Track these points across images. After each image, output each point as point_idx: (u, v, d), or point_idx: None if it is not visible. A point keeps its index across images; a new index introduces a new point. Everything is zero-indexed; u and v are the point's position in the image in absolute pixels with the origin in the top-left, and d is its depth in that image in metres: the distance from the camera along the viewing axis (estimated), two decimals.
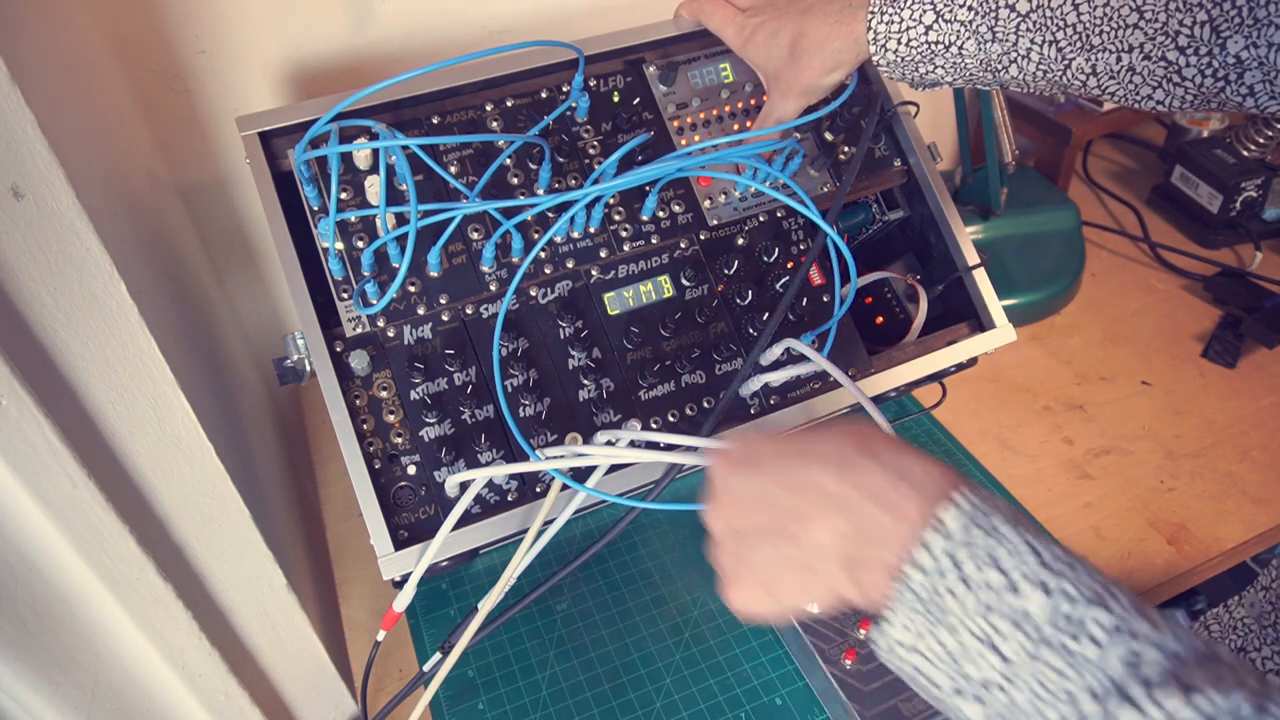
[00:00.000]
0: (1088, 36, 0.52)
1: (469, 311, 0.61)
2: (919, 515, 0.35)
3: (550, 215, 0.62)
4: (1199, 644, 0.31)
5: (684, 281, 0.64)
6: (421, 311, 0.60)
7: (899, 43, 0.57)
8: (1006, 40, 0.55)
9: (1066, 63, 0.54)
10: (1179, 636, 0.31)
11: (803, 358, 0.62)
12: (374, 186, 0.59)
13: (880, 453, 0.38)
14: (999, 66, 0.56)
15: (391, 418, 0.58)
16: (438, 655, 0.59)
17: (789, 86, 0.63)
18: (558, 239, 0.63)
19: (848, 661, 0.62)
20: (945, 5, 0.55)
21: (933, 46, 0.57)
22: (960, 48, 0.56)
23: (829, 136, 0.70)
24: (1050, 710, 0.31)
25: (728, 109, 0.69)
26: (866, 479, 0.37)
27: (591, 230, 0.64)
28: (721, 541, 0.43)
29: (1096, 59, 0.53)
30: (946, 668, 0.34)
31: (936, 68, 0.58)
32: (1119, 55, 0.52)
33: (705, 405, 0.63)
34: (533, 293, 0.62)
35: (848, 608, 0.39)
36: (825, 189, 0.69)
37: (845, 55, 0.60)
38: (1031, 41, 0.54)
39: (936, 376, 0.71)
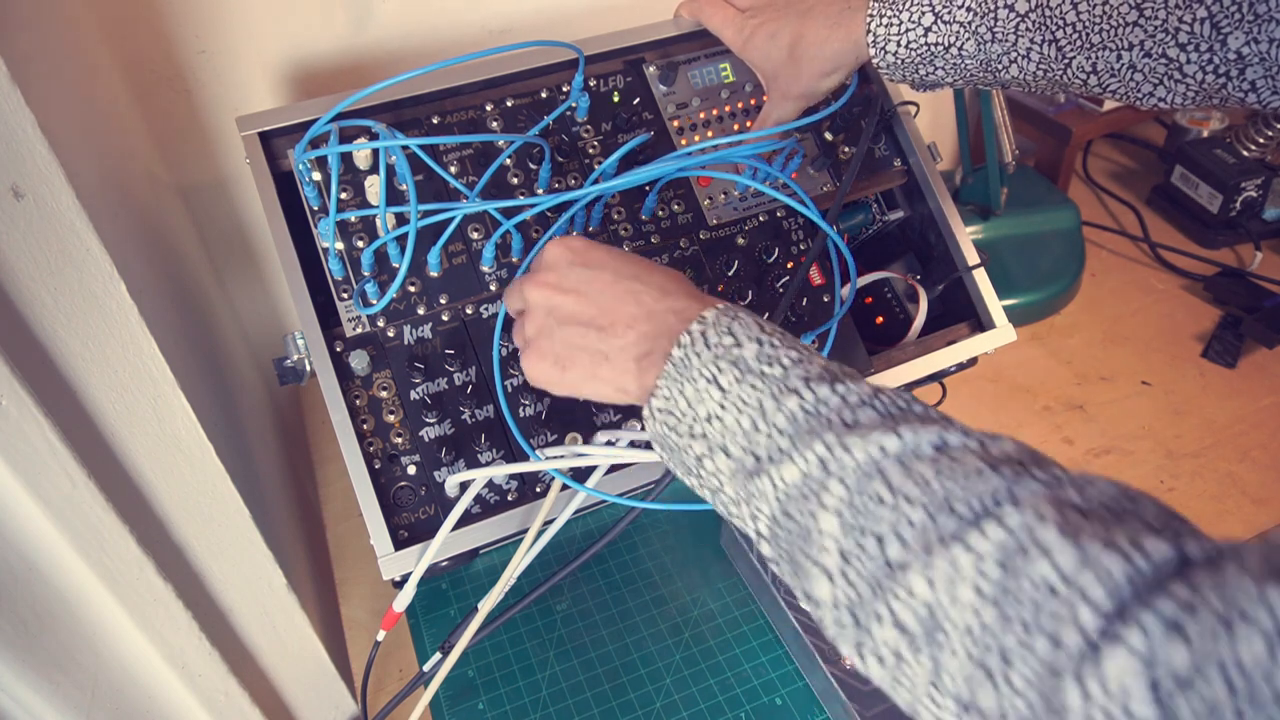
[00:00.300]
0: (1087, 35, 0.52)
1: (469, 311, 0.61)
2: (695, 318, 0.45)
3: (550, 215, 0.62)
4: (854, 371, 0.42)
5: None
6: (421, 311, 0.60)
7: (899, 45, 0.57)
8: (1006, 40, 0.55)
9: (1066, 62, 0.54)
10: (842, 368, 0.42)
11: None
12: (374, 186, 0.59)
13: (690, 289, 0.49)
14: (999, 67, 0.56)
15: (391, 418, 0.58)
16: (438, 655, 0.59)
17: (788, 89, 0.63)
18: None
19: (848, 662, 0.62)
20: (944, 6, 0.55)
21: (932, 48, 0.57)
22: (960, 49, 0.56)
23: (829, 136, 0.70)
24: (744, 419, 0.41)
25: (728, 109, 0.69)
26: (676, 302, 0.47)
27: (591, 230, 0.64)
28: (533, 312, 0.50)
29: (1097, 57, 0.53)
30: (685, 417, 0.43)
31: (936, 69, 0.58)
32: (1119, 53, 0.52)
33: None
34: None
35: (620, 400, 0.48)
36: (825, 189, 0.69)
37: (844, 58, 0.60)
38: (1031, 41, 0.54)
39: (937, 376, 0.71)
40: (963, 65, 0.57)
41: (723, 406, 0.42)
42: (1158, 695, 0.26)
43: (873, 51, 0.58)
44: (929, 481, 0.35)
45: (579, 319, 0.48)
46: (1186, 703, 0.25)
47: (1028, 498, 0.33)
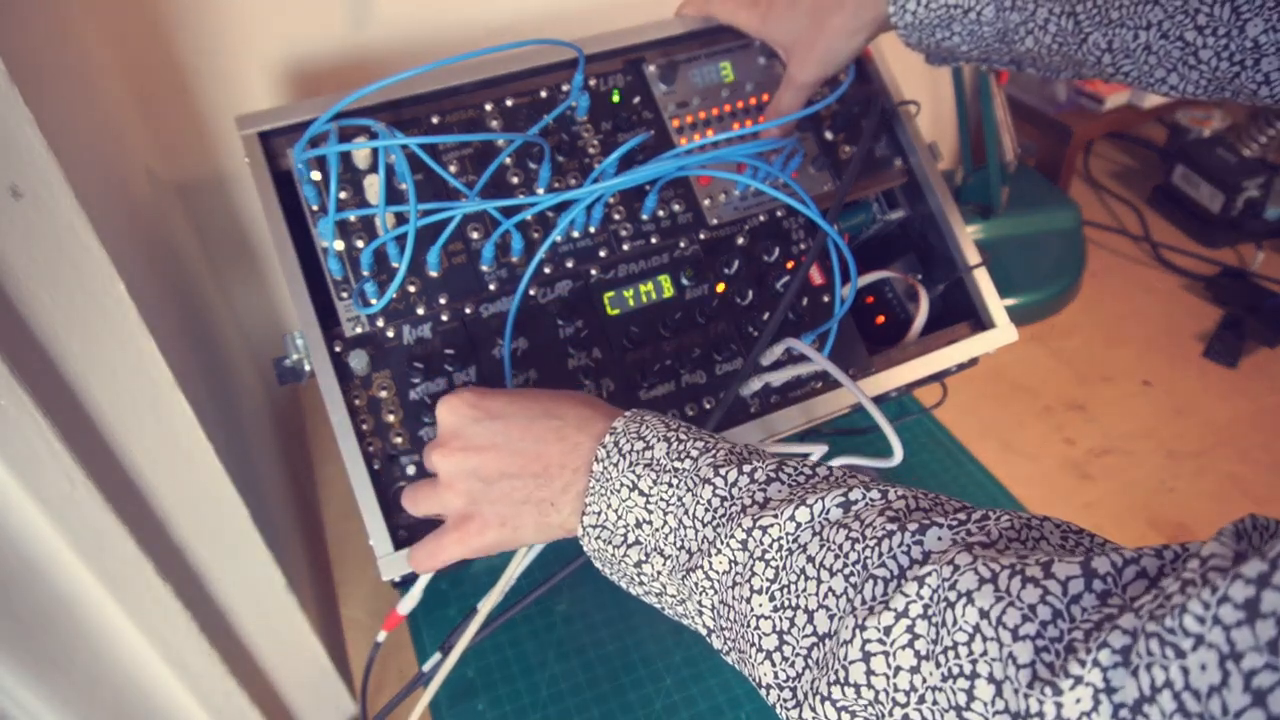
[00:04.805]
0: (1106, 10, 0.52)
1: (469, 311, 0.60)
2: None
3: (550, 215, 0.62)
4: (758, 449, 0.44)
5: (684, 281, 0.64)
6: (421, 311, 0.59)
7: (918, 4, 0.57)
8: (1025, 9, 0.55)
9: (1083, 37, 0.53)
10: (747, 447, 0.43)
11: (803, 358, 0.62)
12: (373, 186, 0.59)
13: (602, 408, 0.48)
14: (1015, 38, 0.56)
15: (391, 418, 0.58)
16: (437, 655, 0.59)
17: (807, 51, 0.62)
18: (557, 239, 0.63)
19: None
20: None
21: (951, 10, 0.56)
22: (979, 14, 0.56)
23: (829, 136, 0.70)
24: (671, 518, 0.42)
25: (727, 108, 0.68)
26: (595, 426, 0.46)
27: (591, 230, 0.63)
28: (452, 483, 0.48)
29: (1113, 35, 0.52)
30: (618, 528, 0.43)
31: (953, 34, 0.58)
32: (1136, 32, 0.51)
33: (706, 405, 0.62)
34: (532, 292, 0.62)
35: (563, 537, 0.48)
36: (826, 188, 0.69)
37: (864, 15, 0.60)
38: (1050, 12, 0.54)
39: (937, 377, 0.71)
40: (980, 32, 0.57)
41: (648, 510, 0.42)
42: None
43: (892, 9, 0.58)
44: (844, 550, 0.36)
45: (508, 472, 0.46)
46: None
47: (938, 546, 0.34)
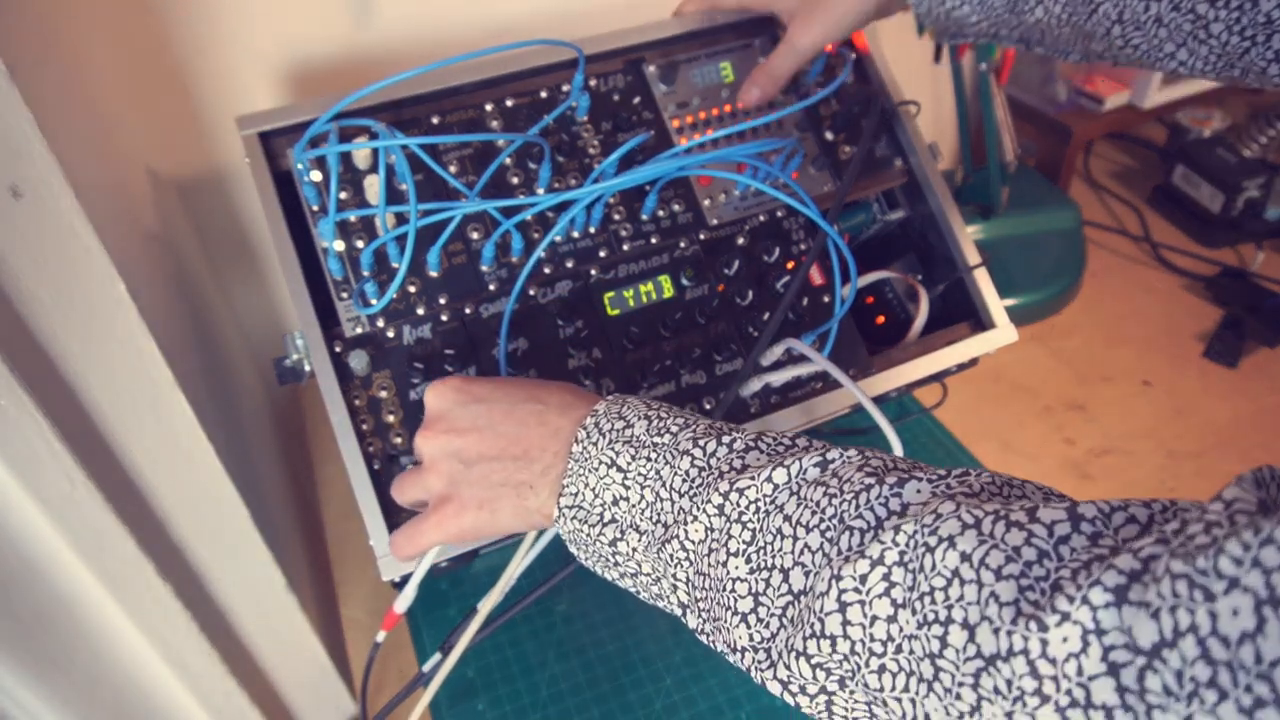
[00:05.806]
0: None
1: (469, 311, 0.60)
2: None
3: (550, 215, 0.62)
4: (737, 426, 0.44)
5: (684, 281, 0.64)
6: (421, 311, 0.59)
7: None
8: None
9: (1093, 6, 0.53)
10: (726, 424, 0.43)
11: (803, 358, 0.62)
12: (373, 186, 0.59)
13: (586, 396, 0.48)
14: (1025, 7, 0.56)
15: (391, 418, 0.58)
16: (437, 656, 0.59)
17: (811, 13, 0.62)
18: (557, 239, 0.63)
19: None
20: None
21: None
22: None
23: (829, 136, 0.70)
24: (649, 491, 0.41)
25: (728, 108, 0.68)
26: (577, 412, 0.46)
27: (591, 230, 0.63)
28: (434, 465, 0.48)
29: (1124, 4, 0.52)
30: (594, 507, 0.43)
31: (963, 3, 0.58)
32: (1148, 3, 0.51)
33: (706, 406, 0.62)
34: (532, 292, 0.62)
35: (546, 526, 0.48)
36: (826, 188, 0.69)
37: None
38: None
39: (937, 377, 0.71)
40: (990, 1, 0.57)
41: (625, 486, 0.42)
42: (1114, 667, 0.25)
43: None
44: (821, 506, 0.35)
45: (488, 455, 0.46)
46: (1158, 676, 0.24)
47: (917, 497, 0.34)
